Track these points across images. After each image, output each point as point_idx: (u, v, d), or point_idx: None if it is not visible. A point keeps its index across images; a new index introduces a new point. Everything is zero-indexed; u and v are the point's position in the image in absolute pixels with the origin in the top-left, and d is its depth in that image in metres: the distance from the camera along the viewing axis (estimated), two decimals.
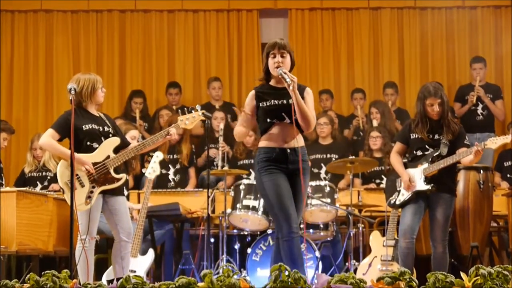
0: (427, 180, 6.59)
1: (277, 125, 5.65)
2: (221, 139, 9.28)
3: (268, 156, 5.66)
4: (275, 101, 5.66)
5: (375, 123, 9.68)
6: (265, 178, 5.64)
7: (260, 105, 5.70)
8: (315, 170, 9.15)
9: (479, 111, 10.15)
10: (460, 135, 6.64)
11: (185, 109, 6.52)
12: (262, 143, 5.73)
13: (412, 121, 6.87)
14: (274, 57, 5.68)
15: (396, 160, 6.84)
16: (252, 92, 5.81)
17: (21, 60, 11.15)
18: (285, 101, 5.64)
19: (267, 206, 5.80)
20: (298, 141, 5.69)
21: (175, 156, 9.40)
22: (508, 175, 9.22)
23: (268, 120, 5.67)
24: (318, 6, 11.29)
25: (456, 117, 6.76)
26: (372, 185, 9.07)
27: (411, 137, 6.76)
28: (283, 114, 5.63)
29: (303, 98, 5.64)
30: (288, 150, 5.63)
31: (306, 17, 11.32)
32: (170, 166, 9.36)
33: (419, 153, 6.69)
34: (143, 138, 9.89)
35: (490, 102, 10.12)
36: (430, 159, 6.59)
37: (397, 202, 6.79)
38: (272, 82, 5.78)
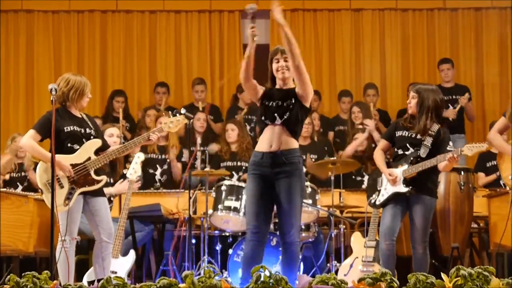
0: (406, 182, 6.61)
1: (269, 127, 5.73)
2: (199, 139, 9.28)
3: (253, 160, 5.76)
4: (274, 102, 5.76)
5: (358, 120, 9.74)
6: (247, 182, 5.80)
7: (263, 101, 5.79)
8: None
9: None
10: (443, 139, 6.63)
11: (170, 112, 6.53)
12: (256, 146, 5.84)
13: (400, 119, 6.93)
14: (278, 62, 5.76)
15: (379, 157, 6.86)
16: (263, 88, 5.89)
17: (2, 60, 11.08)
18: (279, 102, 5.73)
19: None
20: (286, 144, 5.71)
21: (162, 156, 9.35)
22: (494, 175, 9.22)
23: (263, 118, 5.76)
24: (300, 7, 11.32)
25: (445, 122, 6.78)
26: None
27: (396, 135, 6.79)
28: (275, 114, 5.70)
29: None
30: (270, 154, 5.68)
31: (288, 18, 11.17)
32: (157, 166, 9.32)
33: (400, 152, 6.72)
34: (125, 138, 9.89)
35: (471, 108, 10.21)
36: (409, 161, 6.62)
37: (377, 203, 6.83)
38: (277, 86, 5.85)
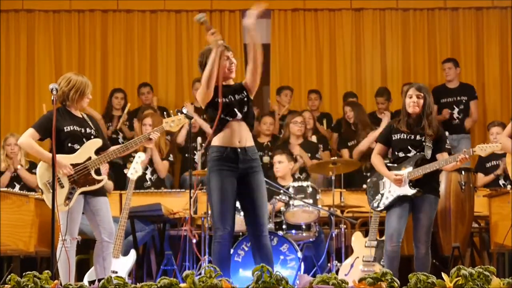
0: (412, 183, 6.57)
1: (230, 123, 5.79)
2: (199, 139, 9.27)
3: (219, 156, 5.79)
4: (228, 98, 5.81)
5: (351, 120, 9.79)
6: (213, 179, 5.78)
7: (215, 100, 5.79)
8: None
9: (455, 115, 10.23)
10: (442, 138, 6.64)
11: (171, 111, 6.51)
12: (215, 142, 5.85)
13: (393, 121, 6.86)
14: (227, 58, 5.84)
15: (378, 162, 6.79)
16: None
17: (2, 59, 11.08)
18: (236, 97, 5.83)
19: (209, 203, 5.92)
20: (250, 141, 5.86)
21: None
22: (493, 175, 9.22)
23: (223, 115, 5.78)
24: (301, 7, 11.31)
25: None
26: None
27: (393, 138, 6.73)
28: (235, 109, 5.78)
29: None
30: (239, 150, 5.77)
31: (288, 18, 11.32)
32: (147, 165, 9.31)
33: (401, 154, 6.66)
34: (125, 137, 9.90)
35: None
36: (414, 162, 6.57)
37: (381, 206, 6.73)
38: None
